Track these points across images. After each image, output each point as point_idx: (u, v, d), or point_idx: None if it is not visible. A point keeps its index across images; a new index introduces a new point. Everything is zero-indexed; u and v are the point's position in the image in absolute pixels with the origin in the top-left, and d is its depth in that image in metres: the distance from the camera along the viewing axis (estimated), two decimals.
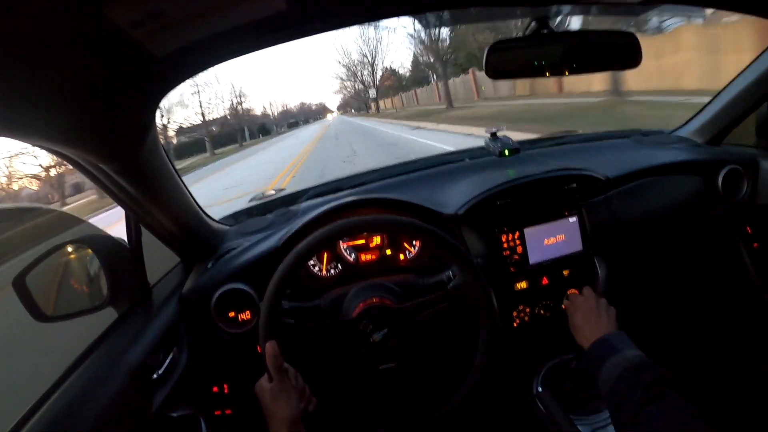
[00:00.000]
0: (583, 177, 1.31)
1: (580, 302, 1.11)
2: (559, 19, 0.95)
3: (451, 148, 2.22)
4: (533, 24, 0.90)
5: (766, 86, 1.38)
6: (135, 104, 0.74)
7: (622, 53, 0.96)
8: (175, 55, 0.65)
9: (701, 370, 1.56)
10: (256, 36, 0.69)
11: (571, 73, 0.94)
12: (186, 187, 1.10)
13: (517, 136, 1.57)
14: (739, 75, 1.45)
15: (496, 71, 0.91)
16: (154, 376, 0.94)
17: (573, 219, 1.28)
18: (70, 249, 1.02)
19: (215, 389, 1.14)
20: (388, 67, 50.00)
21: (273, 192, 1.62)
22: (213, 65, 0.74)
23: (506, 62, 0.91)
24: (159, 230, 1.08)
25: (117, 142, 0.78)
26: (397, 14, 0.82)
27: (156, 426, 0.89)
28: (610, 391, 0.87)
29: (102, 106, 0.68)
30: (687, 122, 1.69)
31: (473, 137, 9.56)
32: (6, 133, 0.61)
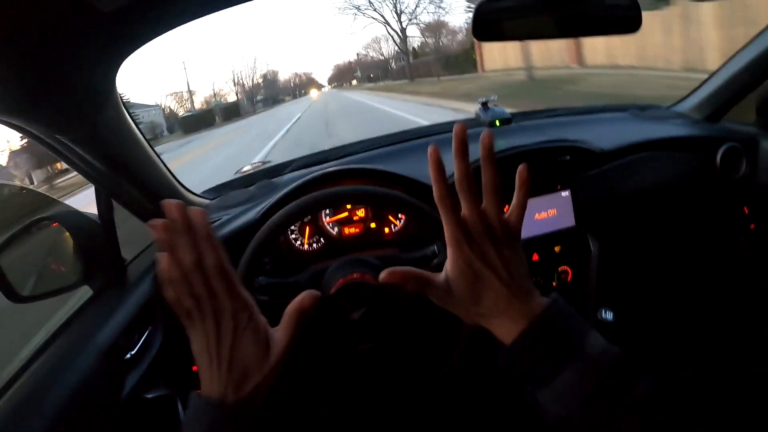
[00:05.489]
0: (577, 149, 1.27)
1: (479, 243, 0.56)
2: None
3: None
4: None
5: None
6: (88, 68, 0.69)
7: (622, 16, 0.91)
8: (125, 12, 0.59)
9: (693, 353, 1.54)
10: None
11: (566, 36, 0.89)
12: (159, 159, 1.05)
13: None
14: (740, 50, 1.40)
15: (485, 33, 0.85)
16: (127, 356, 0.91)
17: (566, 193, 1.24)
18: (42, 227, 0.98)
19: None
20: None
21: (258, 164, 1.58)
22: (173, 26, 0.69)
23: (496, 23, 0.85)
24: (132, 204, 1.03)
25: (72, 111, 0.74)
26: None
27: (129, 408, 0.86)
28: (570, 421, 0.50)
29: (49, 69, 0.63)
30: (685, 97, 1.65)
31: None
32: None
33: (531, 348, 0.52)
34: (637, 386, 0.49)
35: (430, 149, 0.57)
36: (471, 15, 0.83)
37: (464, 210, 0.57)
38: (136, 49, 0.72)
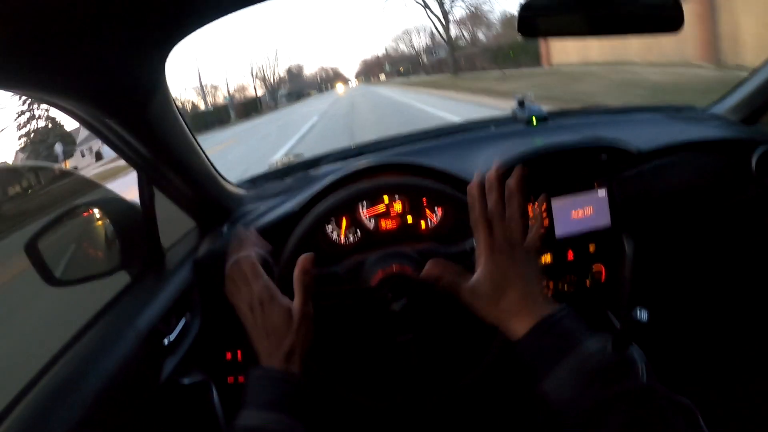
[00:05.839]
0: (615, 149, 1.26)
1: (500, 241, 0.71)
2: None
3: None
4: None
5: None
6: (138, 52, 0.70)
7: (665, 15, 0.89)
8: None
9: (726, 352, 1.51)
10: None
11: (607, 34, 0.88)
12: (202, 149, 1.06)
13: None
14: None
15: (529, 29, 0.85)
16: (165, 342, 0.93)
17: (602, 192, 1.22)
18: (82, 212, 1.00)
19: (228, 356, 1.13)
20: None
21: (293, 157, 1.59)
22: (225, 14, 0.70)
23: (539, 19, 0.85)
24: (173, 192, 1.05)
25: (123, 96, 0.75)
26: None
27: (165, 393, 0.88)
28: (568, 405, 0.59)
29: (102, 55, 0.64)
30: (721, 99, 1.62)
31: None
32: (3, 85, 0.58)
33: (537, 341, 0.63)
34: (627, 381, 0.57)
35: (471, 188, 0.75)
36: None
37: (495, 229, 0.71)
38: (185, 36, 0.72)
